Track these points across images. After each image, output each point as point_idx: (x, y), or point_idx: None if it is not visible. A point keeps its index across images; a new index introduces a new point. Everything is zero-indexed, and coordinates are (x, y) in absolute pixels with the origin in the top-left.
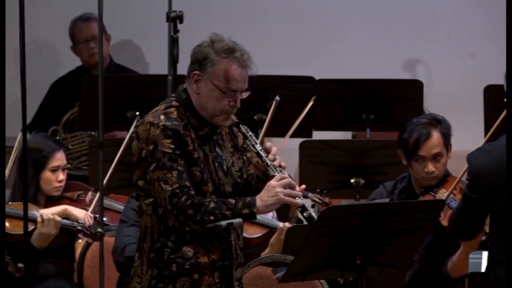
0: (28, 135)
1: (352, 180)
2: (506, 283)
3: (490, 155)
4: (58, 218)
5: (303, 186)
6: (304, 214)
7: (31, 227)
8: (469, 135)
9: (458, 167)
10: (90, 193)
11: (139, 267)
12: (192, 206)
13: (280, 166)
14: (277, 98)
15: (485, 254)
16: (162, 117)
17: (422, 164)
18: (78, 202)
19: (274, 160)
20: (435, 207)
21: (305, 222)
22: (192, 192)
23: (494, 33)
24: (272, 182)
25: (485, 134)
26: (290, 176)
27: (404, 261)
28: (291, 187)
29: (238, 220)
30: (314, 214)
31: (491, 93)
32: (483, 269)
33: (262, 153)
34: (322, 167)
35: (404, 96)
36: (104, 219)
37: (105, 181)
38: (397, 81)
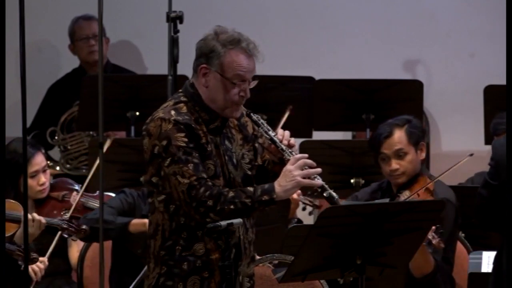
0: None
1: (352, 180)
2: (506, 283)
3: None
4: (44, 220)
5: (319, 170)
6: (325, 194)
7: (14, 229)
8: (469, 135)
9: (459, 167)
10: (74, 193)
11: (151, 264)
12: (211, 197)
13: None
14: (291, 107)
15: (485, 254)
16: (172, 112)
17: (387, 163)
18: (63, 203)
19: (288, 144)
20: (435, 207)
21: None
22: (210, 183)
23: (494, 33)
24: (288, 166)
25: (485, 134)
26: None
27: (404, 261)
28: (309, 166)
29: (238, 221)
30: (334, 194)
31: (491, 93)
32: (483, 269)
33: (276, 139)
34: (322, 167)
35: (404, 96)
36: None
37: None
38: (397, 81)
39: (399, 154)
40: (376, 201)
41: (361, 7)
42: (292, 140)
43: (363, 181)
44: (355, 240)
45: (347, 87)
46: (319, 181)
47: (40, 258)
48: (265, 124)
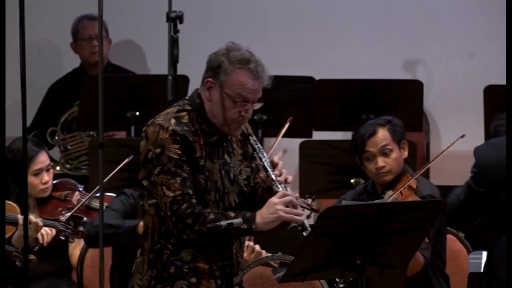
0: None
1: (352, 180)
2: (506, 282)
3: (497, 150)
4: (41, 223)
5: (302, 214)
6: (304, 233)
7: (11, 231)
8: (469, 135)
9: (459, 166)
10: (77, 193)
11: (140, 264)
12: (191, 215)
13: (285, 181)
14: (291, 118)
15: (485, 254)
16: (172, 121)
17: (373, 161)
18: (66, 202)
19: (280, 175)
20: (434, 208)
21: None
22: (194, 200)
23: (494, 33)
24: (274, 199)
25: (485, 134)
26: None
27: (404, 261)
28: (293, 205)
29: (238, 220)
30: None
31: (491, 93)
32: (483, 269)
33: (268, 168)
34: (322, 167)
35: (404, 96)
36: (85, 218)
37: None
38: (397, 81)
39: (385, 151)
40: (376, 201)
41: (361, 7)
42: (290, 178)
43: (363, 181)
44: (355, 240)
45: (347, 87)
46: (301, 218)
47: (49, 228)
48: (262, 150)
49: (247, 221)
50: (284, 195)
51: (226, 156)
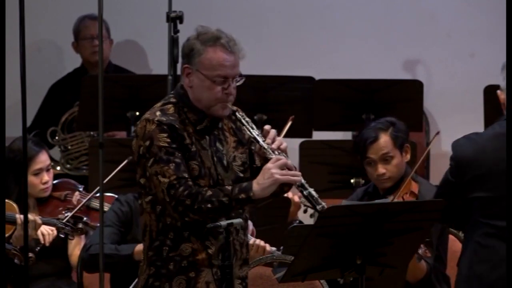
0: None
1: (352, 180)
2: (506, 283)
3: (474, 145)
4: (39, 221)
5: (299, 175)
6: (304, 192)
7: (10, 230)
8: None
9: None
10: (77, 193)
11: (143, 266)
12: (189, 196)
13: (279, 148)
14: (293, 117)
15: None
16: (158, 113)
17: (373, 167)
18: (66, 202)
19: (272, 142)
20: (435, 207)
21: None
22: (190, 182)
23: (494, 33)
24: (268, 164)
25: None
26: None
27: (404, 261)
28: (288, 167)
29: (238, 220)
30: (314, 193)
31: (491, 93)
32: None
33: (259, 138)
34: (322, 167)
35: (404, 96)
36: (85, 218)
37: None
38: (397, 81)
39: (385, 159)
40: (376, 201)
41: (361, 7)
42: (284, 144)
43: (363, 181)
44: (355, 240)
45: (347, 87)
46: (298, 178)
47: (50, 228)
48: (250, 123)
49: (244, 190)
50: (278, 159)
51: (218, 144)
